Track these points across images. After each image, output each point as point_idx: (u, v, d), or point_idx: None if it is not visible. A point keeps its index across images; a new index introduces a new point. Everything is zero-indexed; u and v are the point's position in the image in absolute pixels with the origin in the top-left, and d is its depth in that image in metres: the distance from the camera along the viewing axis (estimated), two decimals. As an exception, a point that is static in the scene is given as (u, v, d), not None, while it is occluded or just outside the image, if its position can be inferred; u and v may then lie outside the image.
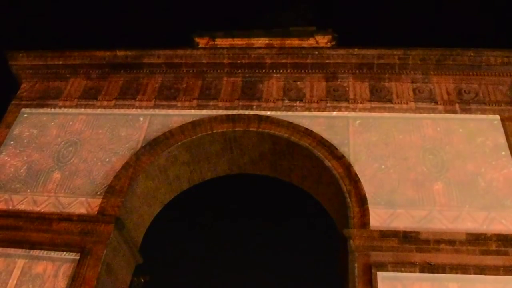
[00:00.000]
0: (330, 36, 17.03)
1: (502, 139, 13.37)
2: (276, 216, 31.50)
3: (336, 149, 13.42)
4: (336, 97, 14.66)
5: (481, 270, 11.05)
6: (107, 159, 13.97)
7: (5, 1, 31.36)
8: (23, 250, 12.27)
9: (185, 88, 15.40)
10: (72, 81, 16.01)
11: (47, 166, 13.99)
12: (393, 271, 11.21)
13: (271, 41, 16.94)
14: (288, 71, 15.32)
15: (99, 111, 15.15)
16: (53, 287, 11.75)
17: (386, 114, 14.15)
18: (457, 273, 11.07)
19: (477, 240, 11.46)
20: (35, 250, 12.27)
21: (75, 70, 16.12)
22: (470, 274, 11.03)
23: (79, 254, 12.08)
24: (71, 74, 16.11)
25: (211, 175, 16.01)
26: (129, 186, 13.39)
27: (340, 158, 13.27)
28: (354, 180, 12.81)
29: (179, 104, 15.00)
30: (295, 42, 16.90)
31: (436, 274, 11.13)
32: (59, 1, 33.34)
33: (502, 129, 13.55)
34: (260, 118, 14.28)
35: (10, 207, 13.19)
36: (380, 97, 14.57)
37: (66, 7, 33.67)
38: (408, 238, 11.61)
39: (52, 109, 15.37)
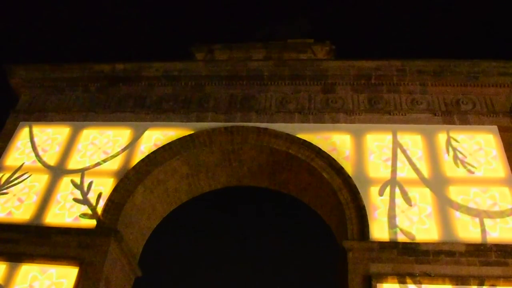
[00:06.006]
0: (327, 48, 17.13)
1: (500, 149, 13.40)
2: (275, 225, 31.55)
3: (335, 160, 13.42)
4: (334, 109, 14.69)
5: (481, 281, 11.02)
6: (106, 172, 13.97)
7: (4, 14, 31.52)
8: (22, 263, 12.23)
9: (184, 100, 15.43)
10: (71, 94, 16.03)
11: (45, 179, 13.99)
12: (393, 282, 11.18)
13: (269, 54, 17.01)
14: (286, 83, 15.36)
15: (97, 124, 15.16)
16: (51, 301, 11.74)
17: (384, 125, 14.18)
18: (457, 284, 11.04)
19: (476, 251, 11.45)
20: (33, 264, 12.23)
21: (74, 83, 16.15)
22: (470, 285, 11.00)
23: (78, 267, 12.05)
24: (70, 87, 16.13)
25: (209, 187, 15.99)
26: (128, 199, 13.38)
27: (339, 169, 13.27)
28: (353, 191, 12.80)
29: (177, 116, 15.02)
30: (293, 54, 16.97)
31: (435, 286, 11.11)
32: (58, 15, 33.51)
33: (499, 139, 13.59)
34: (258, 130, 14.30)
35: (9, 220, 13.17)
36: (378, 108, 14.60)
37: (65, 21, 33.84)
38: (408, 249, 11.60)
39: (51, 122, 15.39)
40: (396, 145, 13.75)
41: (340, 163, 13.35)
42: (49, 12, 32.97)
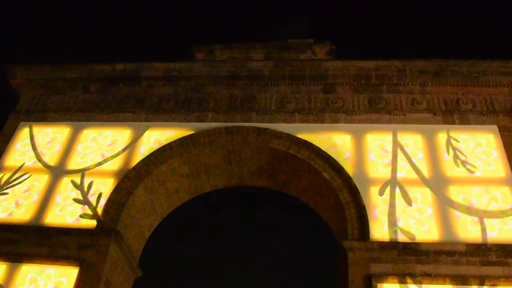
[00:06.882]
0: (328, 48, 17.08)
1: (500, 149, 13.40)
2: (275, 225, 31.56)
3: (335, 160, 13.42)
4: (334, 109, 14.69)
5: (482, 280, 11.02)
6: (106, 172, 13.97)
7: (4, 15, 31.53)
8: (22, 263, 12.23)
9: (184, 100, 15.43)
10: (71, 94, 16.03)
11: (45, 179, 13.99)
12: (393, 282, 11.19)
13: (269, 54, 16.99)
14: (286, 83, 15.36)
15: (98, 124, 15.17)
16: (51, 301, 11.74)
17: (384, 125, 14.18)
18: (457, 284, 11.04)
19: (477, 250, 11.45)
20: (33, 264, 12.22)
21: (74, 83, 16.14)
22: (471, 285, 11.00)
23: (78, 267, 12.03)
24: (70, 87, 16.12)
25: (210, 188, 16.00)
26: (128, 199, 13.38)
27: (339, 170, 13.27)
28: (353, 191, 12.80)
29: (177, 116, 15.03)
30: (293, 54, 16.95)
31: (436, 285, 11.11)
32: (58, 15, 33.51)
33: (500, 139, 13.59)
34: (258, 130, 14.30)
35: (10, 221, 13.17)
36: (378, 108, 14.60)
37: (65, 20, 33.84)
38: (408, 249, 11.60)
39: (51, 122, 15.39)
40: (396, 145, 13.75)
41: (340, 163, 13.36)
42: (49, 12, 32.98)
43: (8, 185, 13.96)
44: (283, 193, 15.91)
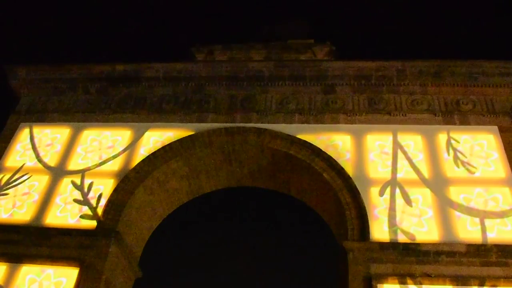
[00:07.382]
0: (328, 49, 17.11)
1: (500, 150, 13.40)
2: (275, 225, 31.57)
3: (335, 161, 13.42)
4: (334, 109, 14.69)
5: (482, 281, 11.02)
6: (106, 173, 13.97)
7: (4, 15, 31.54)
8: (22, 264, 12.22)
9: (184, 101, 15.43)
10: (71, 95, 16.03)
11: (46, 180, 13.99)
12: (393, 283, 11.19)
13: (269, 54, 17.00)
14: (287, 83, 15.35)
15: (98, 125, 15.16)
16: (52, 302, 11.74)
17: (384, 126, 14.18)
18: (457, 285, 11.04)
19: (477, 251, 11.45)
20: (33, 265, 12.22)
21: (74, 84, 16.13)
22: (471, 285, 11.00)
23: (78, 268, 12.04)
24: (70, 88, 16.11)
25: (210, 188, 15.99)
26: (128, 200, 13.38)
27: (339, 170, 13.27)
28: (354, 192, 12.80)
29: (178, 117, 15.02)
30: (293, 55, 16.97)
31: (436, 286, 11.11)
32: (58, 15, 33.51)
33: (500, 140, 13.59)
34: (259, 131, 14.30)
35: (10, 221, 13.16)
36: (378, 109, 14.60)
37: (65, 20, 33.84)
38: (408, 250, 11.60)
39: (51, 123, 15.39)
40: (396, 145, 13.75)
41: (341, 164, 13.35)
42: (49, 12, 32.98)
43: (8, 186, 13.96)
44: (283, 193, 15.91)
